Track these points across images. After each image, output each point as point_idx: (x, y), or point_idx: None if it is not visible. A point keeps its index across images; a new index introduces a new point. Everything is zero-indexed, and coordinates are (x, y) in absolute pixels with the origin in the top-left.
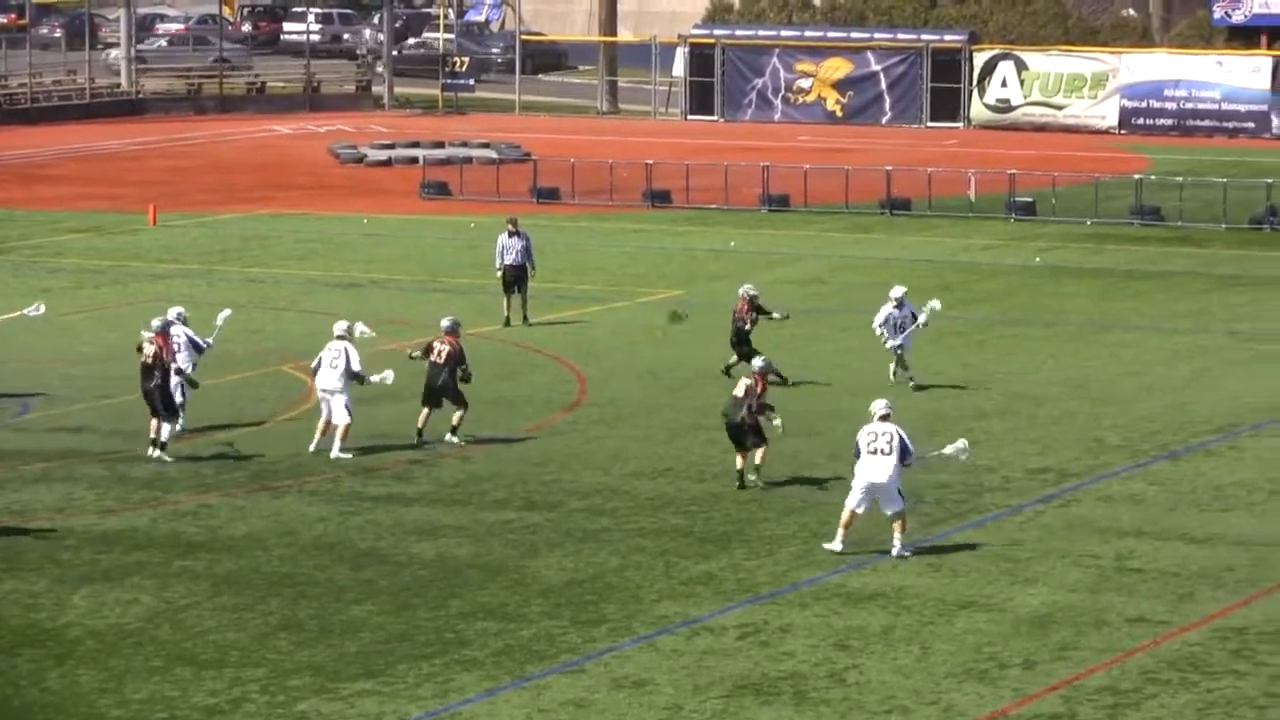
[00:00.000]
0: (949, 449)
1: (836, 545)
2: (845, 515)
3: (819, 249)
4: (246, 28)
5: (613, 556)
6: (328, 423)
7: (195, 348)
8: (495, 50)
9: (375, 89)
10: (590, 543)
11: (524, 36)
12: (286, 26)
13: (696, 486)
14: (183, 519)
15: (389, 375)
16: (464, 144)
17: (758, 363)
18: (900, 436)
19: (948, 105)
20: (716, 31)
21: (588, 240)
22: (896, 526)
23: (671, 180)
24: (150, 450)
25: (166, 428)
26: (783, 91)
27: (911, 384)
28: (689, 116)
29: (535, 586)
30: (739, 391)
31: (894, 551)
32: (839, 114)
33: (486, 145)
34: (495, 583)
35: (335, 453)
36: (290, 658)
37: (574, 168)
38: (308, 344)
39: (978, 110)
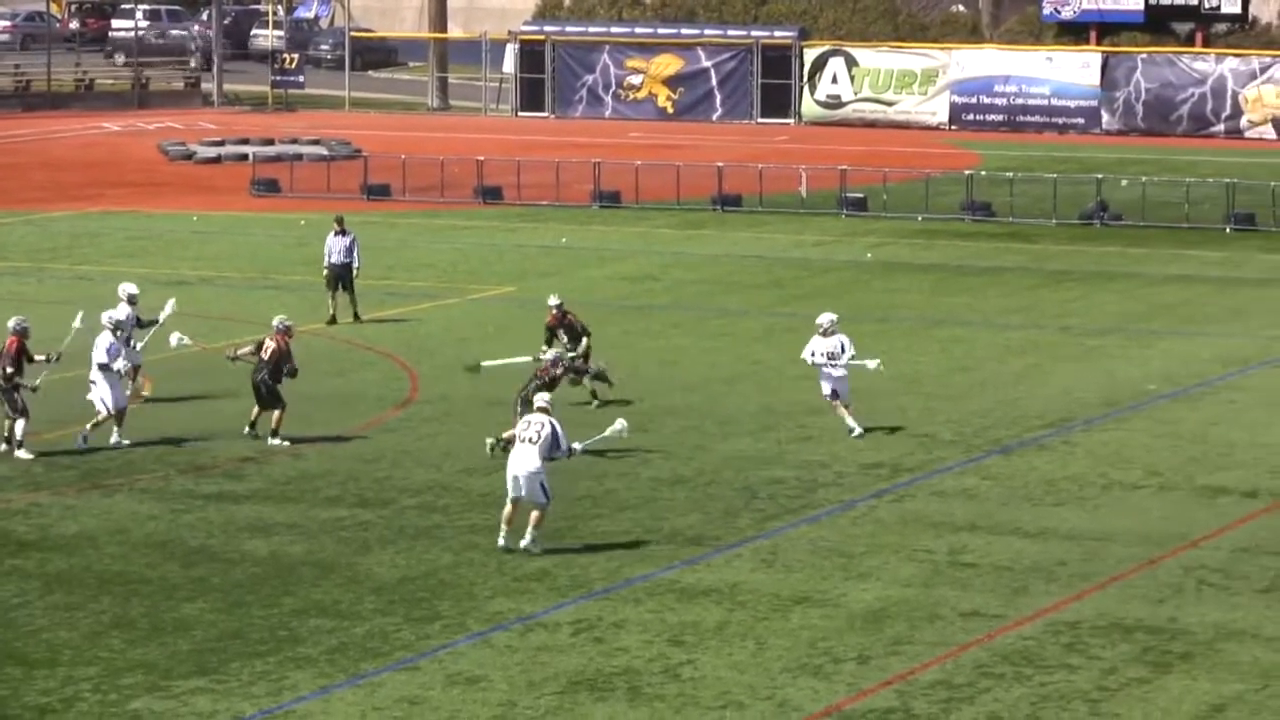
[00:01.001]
0: (608, 431)
1: (500, 540)
2: (506, 509)
3: (650, 245)
4: (75, 25)
5: (446, 553)
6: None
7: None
8: (325, 47)
9: (204, 86)
10: (423, 540)
11: (353, 33)
12: (114, 23)
13: None
14: (13, 518)
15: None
16: (294, 141)
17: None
18: (552, 426)
19: (779, 101)
20: (547, 28)
21: (419, 237)
22: (532, 519)
23: (503, 177)
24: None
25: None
26: (614, 88)
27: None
28: (520, 113)
29: (368, 584)
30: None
31: (523, 543)
32: (670, 110)
33: (317, 142)
34: (328, 580)
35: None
36: (122, 656)
37: (405, 164)
38: None
39: (809, 106)
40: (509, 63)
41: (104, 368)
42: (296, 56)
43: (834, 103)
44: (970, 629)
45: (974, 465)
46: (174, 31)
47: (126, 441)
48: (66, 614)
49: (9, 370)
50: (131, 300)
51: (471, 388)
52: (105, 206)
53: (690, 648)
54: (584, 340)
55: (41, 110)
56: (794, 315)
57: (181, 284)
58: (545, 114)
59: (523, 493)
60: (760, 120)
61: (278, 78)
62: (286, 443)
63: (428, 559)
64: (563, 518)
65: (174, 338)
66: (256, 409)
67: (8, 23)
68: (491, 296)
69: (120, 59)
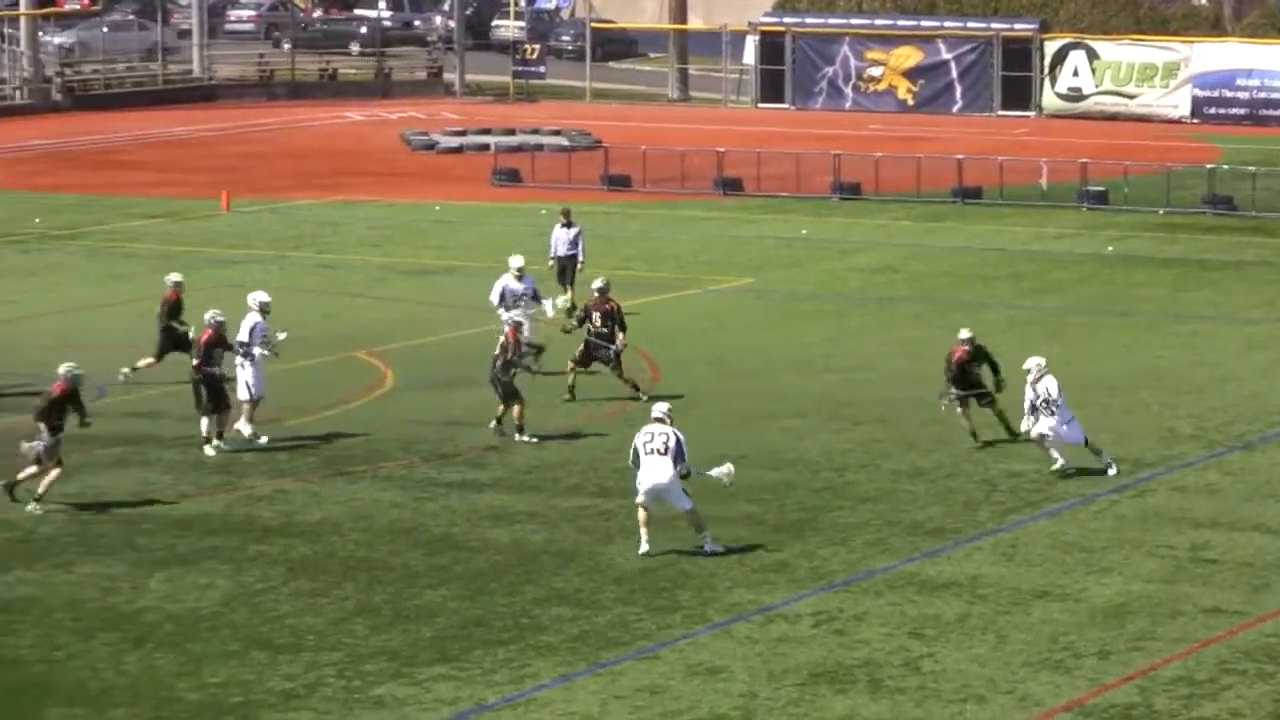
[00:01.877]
0: (714, 471)
1: (643, 546)
2: (640, 514)
3: (890, 238)
4: (318, 14)
5: (687, 544)
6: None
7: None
8: (565, 38)
9: (446, 76)
10: (664, 530)
11: (594, 24)
12: (357, 13)
13: (770, 474)
14: (258, 504)
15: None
16: (535, 131)
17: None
18: (676, 437)
19: (1019, 94)
20: (786, 19)
21: (659, 228)
22: (694, 526)
23: (743, 168)
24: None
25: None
26: (853, 80)
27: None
28: (760, 104)
29: (610, 573)
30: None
31: (706, 548)
32: (910, 102)
33: (558, 133)
34: (570, 569)
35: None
36: (366, 642)
37: (645, 155)
38: (381, 330)
39: (1049, 99)
40: (749, 54)
41: (246, 350)
42: (538, 47)
43: (1075, 95)
44: (1212, 625)
45: (1216, 460)
46: (416, 22)
47: (250, 433)
48: (311, 600)
49: (196, 361)
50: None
51: (713, 380)
52: (348, 195)
53: (930, 640)
54: (620, 336)
55: (284, 99)
56: (1034, 308)
57: (425, 273)
58: (785, 105)
59: (661, 501)
60: (1000, 113)
61: (519, 68)
62: (535, 439)
63: (669, 549)
64: (803, 509)
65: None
66: (500, 406)
67: (253, 12)
68: (731, 288)
69: (355, 48)
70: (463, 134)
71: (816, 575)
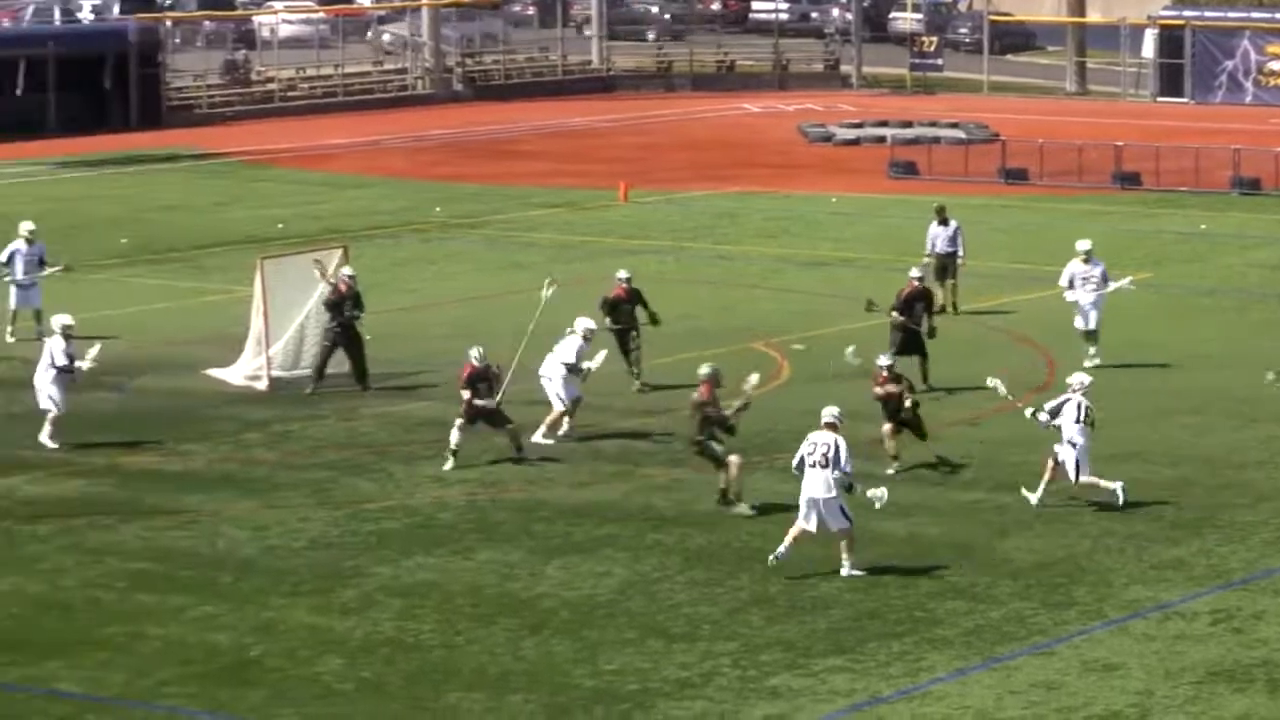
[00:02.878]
0: (870, 493)
1: (777, 551)
2: (795, 527)
3: None
4: (715, 6)
5: (1083, 539)
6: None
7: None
8: (963, 30)
9: (843, 68)
10: (1059, 525)
11: (992, 17)
12: (755, 5)
13: (1168, 471)
14: (655, 493)
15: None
16: (932, 124)
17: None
18: (837, 445)
19: None
20: (1186, 13)
21: (1057, 222)
22: (842, 546)
23: (1141, 162)
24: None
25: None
26: (1254, 74)
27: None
28: (1159, 98)
29: (1005, 567)
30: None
31: (844, 572)
32: None
33: (955, 125)
34: (965, 562)
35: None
36: (761, 633)
37: (1042, 149)
38: (778, 321)
39: None
40: (1148, 48)
41: (572, 369)
42: (935, 39)
43: None
44: None
45: None
46: (814, 14)
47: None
48: (706, 589)
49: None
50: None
51: (1122, 373)
52: (744, 187)
53: None
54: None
55: (682, 91)
56: None
57: (821, 265)
58: (1184, 100)
59: (821, 519)
60: None
61: (916, 60)
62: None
63: (1064, 544)
64: (1201, 508)
65: (848, 353)
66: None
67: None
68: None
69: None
70: (859, 126)
71: (1214, 573)
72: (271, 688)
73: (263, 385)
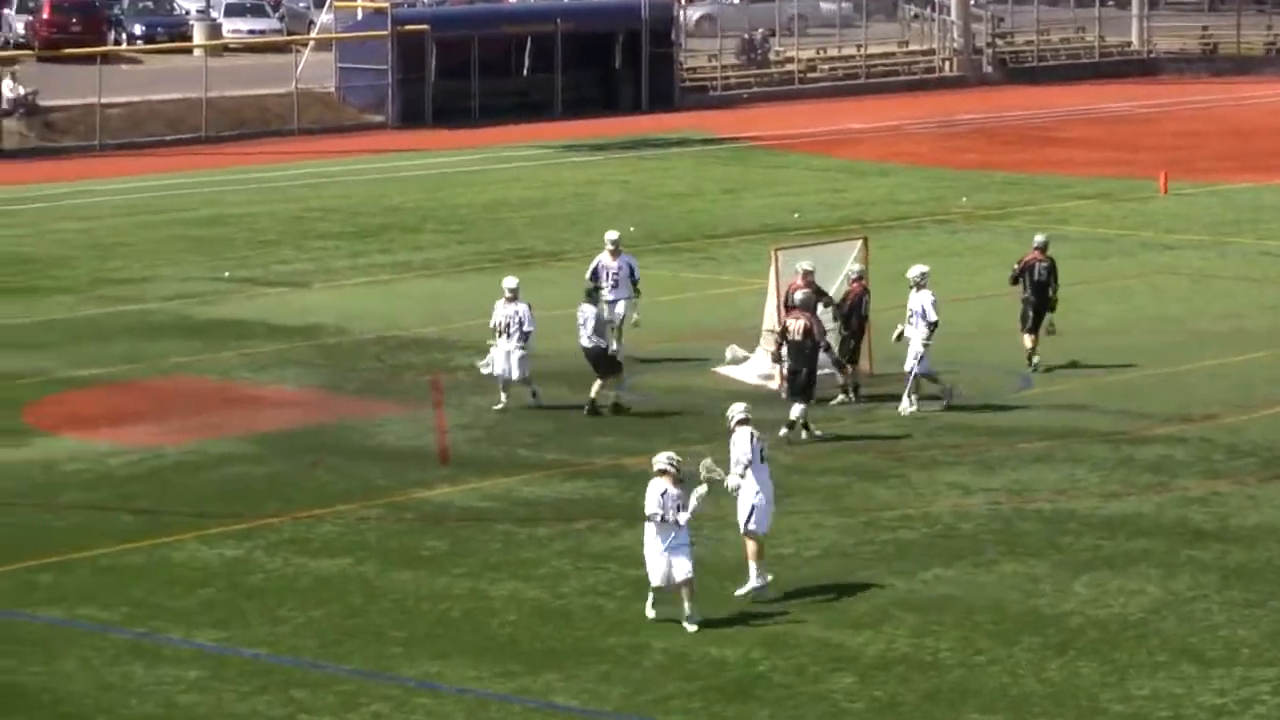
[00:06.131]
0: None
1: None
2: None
3: None
4: None
5: None
6: None
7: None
8: None
9: None
10: None
11: None
12: None
13: None
14: (1190, 505)
15: None
16: None
17: None
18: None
19: None
20: None
21: None
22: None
23: None
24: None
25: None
26: None
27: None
28: None
29: None
30: None
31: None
32: None
33: None
34: None
35: None
36: None
37: None
38: None
39: None
40: None
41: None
42: None
43: None
44: None
45: None
46: None
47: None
48: (1245, 611)
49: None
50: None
51: None
52: None
53: None
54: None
55: (1228, 74)
56: None
57: None
58: None
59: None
60: None
61: None
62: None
63: None
64: None
65: None
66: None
67: None
68: None
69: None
70: None
71: None
72: (778, 705)
73: (776, 385)
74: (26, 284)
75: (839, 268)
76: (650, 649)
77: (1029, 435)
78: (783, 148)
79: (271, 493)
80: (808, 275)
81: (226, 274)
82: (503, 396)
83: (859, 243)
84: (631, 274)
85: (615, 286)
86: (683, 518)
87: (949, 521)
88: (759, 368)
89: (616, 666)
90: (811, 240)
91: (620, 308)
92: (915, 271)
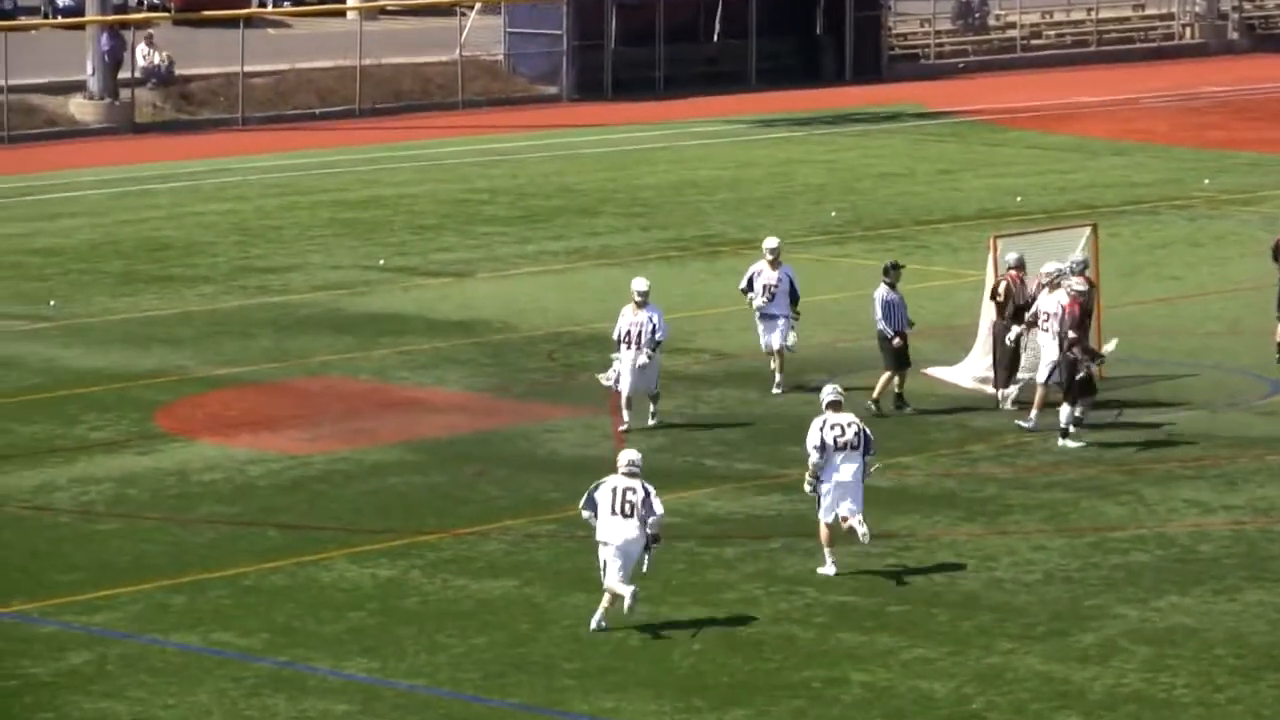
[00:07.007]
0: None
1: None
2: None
3: None
4: None
5: None
6: None
7: None
8: None
9: None
10: None
11: None
12: None
13: None
14: None
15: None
16: None
17: None
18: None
19: None
20: None
21: None
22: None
23: None
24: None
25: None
26: None
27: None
28: None
29: None
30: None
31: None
32: None
33: None
34: None
35: None
36: None
37: None
38: None
39: None
40: None
41: None
42: None
43: None
44: None
45: None
46: None
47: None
48: None
49: (1072, 335)
50: None
51: None
52: None
53: None
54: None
55: None
56: None
57: None
58: None
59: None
60: None
61: None
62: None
63: None
64: None
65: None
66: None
67: None
68: None
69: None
70: None
71: None
72: None
73: (993, 389)
74: (161, 272)
75: (1063, 259)
76: (849, 683)
77: (1277, 445)
78: (1003, 123)
79: (430, 507)
80: (1018, 270)
81: (381, 262)
82: (625, 415)
83: (1087, 230)
84: (791, 289)
85: (772, 301)
86: None
87: (1186, 543)
88: (974, 369)
89: (812, 703)
90: (1034, 227)
91: (780, 327)
92: (1051, 267)
